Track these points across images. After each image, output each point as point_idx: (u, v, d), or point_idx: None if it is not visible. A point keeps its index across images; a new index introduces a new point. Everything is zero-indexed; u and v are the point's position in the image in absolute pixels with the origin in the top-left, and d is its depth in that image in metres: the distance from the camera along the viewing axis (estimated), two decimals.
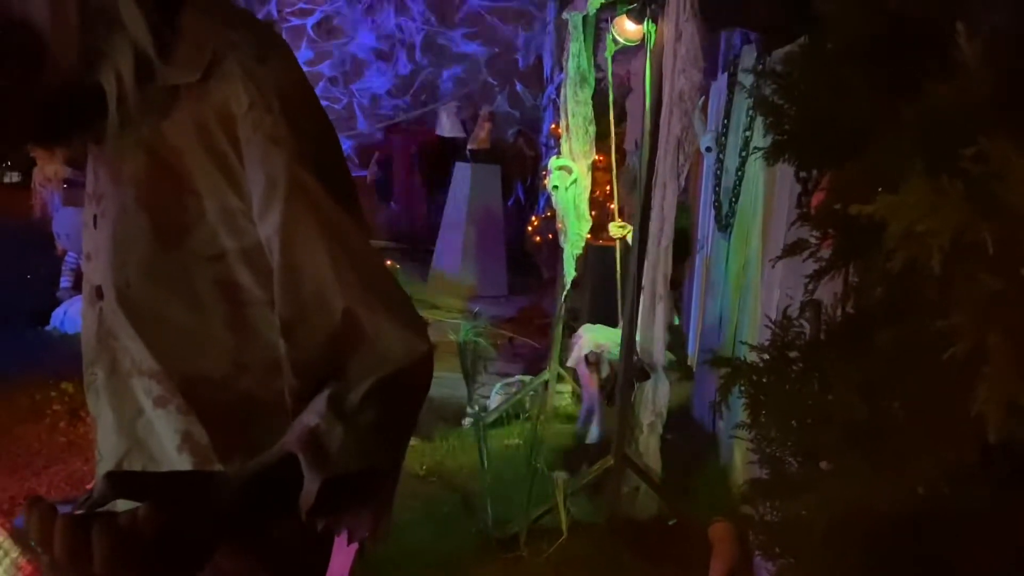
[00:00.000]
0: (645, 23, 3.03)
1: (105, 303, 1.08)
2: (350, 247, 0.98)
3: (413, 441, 3.75)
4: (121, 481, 0.79)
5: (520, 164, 9.25)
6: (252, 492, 0.86)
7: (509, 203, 9.00)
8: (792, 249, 1.17)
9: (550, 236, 6.61)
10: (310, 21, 9.25)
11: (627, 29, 3.31)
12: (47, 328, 6.52)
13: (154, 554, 0.75)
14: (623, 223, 4.28)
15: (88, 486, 3.52)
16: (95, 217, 1.08)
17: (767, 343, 1.30)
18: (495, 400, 4.78)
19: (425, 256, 8.25)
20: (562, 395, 4.86)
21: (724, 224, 4.03)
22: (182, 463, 1.04)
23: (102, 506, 0.77)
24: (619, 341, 4.26)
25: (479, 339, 4.39)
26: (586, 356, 4.16)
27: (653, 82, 2.99)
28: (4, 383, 4.89)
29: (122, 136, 0.98)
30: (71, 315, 6.45)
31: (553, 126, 6.96)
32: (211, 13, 1.01)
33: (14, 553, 2.49)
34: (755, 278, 3.60)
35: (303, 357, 0.97)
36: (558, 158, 4.19)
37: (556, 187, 4.16)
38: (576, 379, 4.51)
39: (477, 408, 4.56)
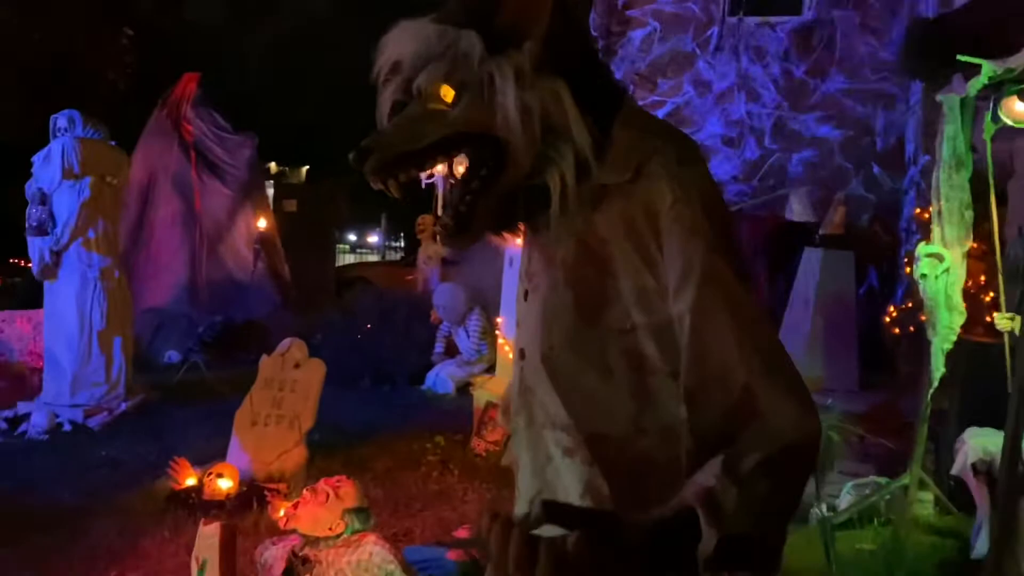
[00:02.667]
0: None
1: (526, 363, 1.26)
2: (753, 328, 1.07)
3: None
4: (553, 509, 0.93)
5: (875, 250, 8.69)
6: (653, 538, 0.96)
7: (861, 291, 8.48)
8: None
9: (911, 328, 6.12)
10: (661, 112, 9.68)
11: (1017, 110, 3.07)
12: (422, 388, 7.39)
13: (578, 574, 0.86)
14: (1012, 315, 3.84)
15: (455, 531, 3.91)
16: (526, 292, 1.28)
17: None
18: (845, 500, 4.48)
19: None
20: (924, 504, 4.42)
21: None
22: None
23: (536, 527, 0.92)
24: None
25: (832, 433, 4.18)
26: (974, 464, 3.70)
27: None
28: (387, 434, 5.63)
29: (558, 226, 1.17)
30: (442, 377, 7.26)
31: (918, 211, 6.50)
32: (638, 125, 1.19)
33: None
34: None
35: (702, 424, 1.06)
36: (928, 244, 3.92)
37: (925, 275, 3.89)
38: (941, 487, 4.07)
39: (825, 506, 4.31)
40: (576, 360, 1.18)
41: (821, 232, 7.52)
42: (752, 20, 9.58)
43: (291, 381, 4.88)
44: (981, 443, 3.72)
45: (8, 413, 6.06)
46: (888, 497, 4.26)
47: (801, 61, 9.54)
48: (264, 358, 5.05)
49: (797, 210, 7.98)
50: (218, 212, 10.35)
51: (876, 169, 9.34)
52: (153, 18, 14.54)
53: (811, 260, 7.48)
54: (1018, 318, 3.73)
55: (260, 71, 15.87)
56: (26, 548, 3.76)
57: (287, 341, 5.09)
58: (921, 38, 4.07)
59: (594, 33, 9.66)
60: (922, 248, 3.92)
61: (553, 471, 1.23)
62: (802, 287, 7.56)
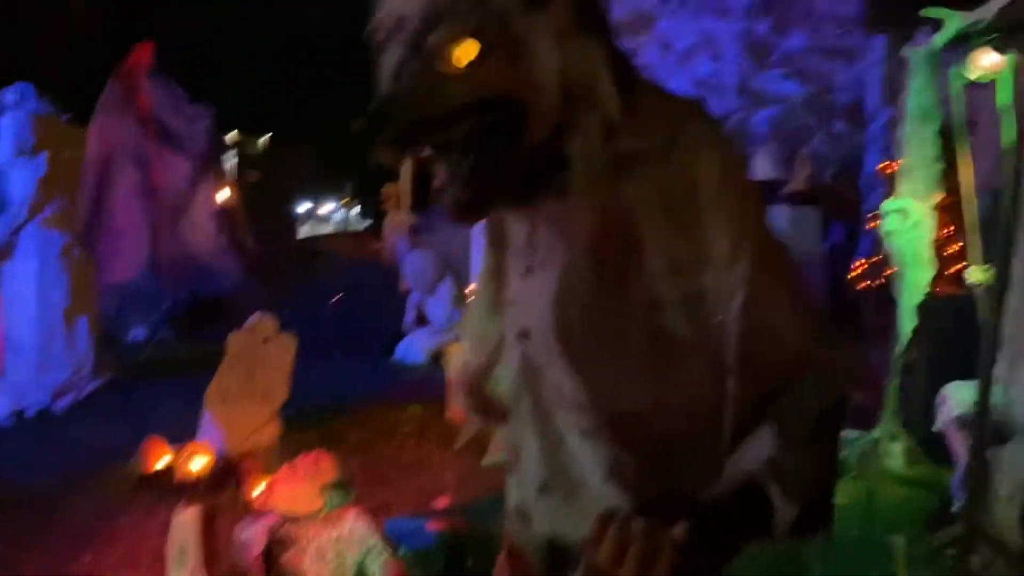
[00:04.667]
0: (1008, 56, 2.79)
1: (531, 343, 1.17)
2: (801, 293, 1.07)
3: None
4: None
5: (839, 206, 8.79)
6: (720, 514, 0.97)
7: (824, 247, 8.57)
8: None
9: (879, 281, 6.20)
10: None
11: (983, 64, 3.06)
12: (393, 359, 7.35)
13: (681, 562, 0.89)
14: (986, 267, 3.85)
15: (434, 502, 3.91)
16: (527, 267, 1.18)
17: None
18: None
19: None
20: (894, 456, 4.49)
21: None
22: (606, 491, 1.11)
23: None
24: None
25: None
26: (958, 417, 3.73)
27: (1019, 115, 2.75)
28: (360, 406, 5.60)
29: (579, 196, 1.08)
30: (414, 347, 7.22)
31: (882, 165, 6.56)
32: (657, 92, 1.12)
33: (387, 553, 2.84)
34: None
35: (751, 392, 1.03)
36: (894, 199, 3.95)
37: (891, 232, 3.92)
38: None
39: None
40: (596, 338, 1.11)
41: (787, 190, 7.57)
42: None
43: (262, 356, 4.81)
44: (964, 397, 3.75)
45: None
46: (860, 452, 4.32)
47: (762, 18, 9.54)
48: (232, 334, 4.97)
49: (764, 168, 8.02)
50: (177, 184, 10.15)
51: (838, 125, 9.41)
52: None
53: (778, 218, 7.54)
54: (991, 270, 3.76)
55: (217, 36, 15.52)
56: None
57: (256, 316, 5.01)
58: None
59: None
60: (888, 203, 3.95)
61: (567, 455, 1.16)
62: None
